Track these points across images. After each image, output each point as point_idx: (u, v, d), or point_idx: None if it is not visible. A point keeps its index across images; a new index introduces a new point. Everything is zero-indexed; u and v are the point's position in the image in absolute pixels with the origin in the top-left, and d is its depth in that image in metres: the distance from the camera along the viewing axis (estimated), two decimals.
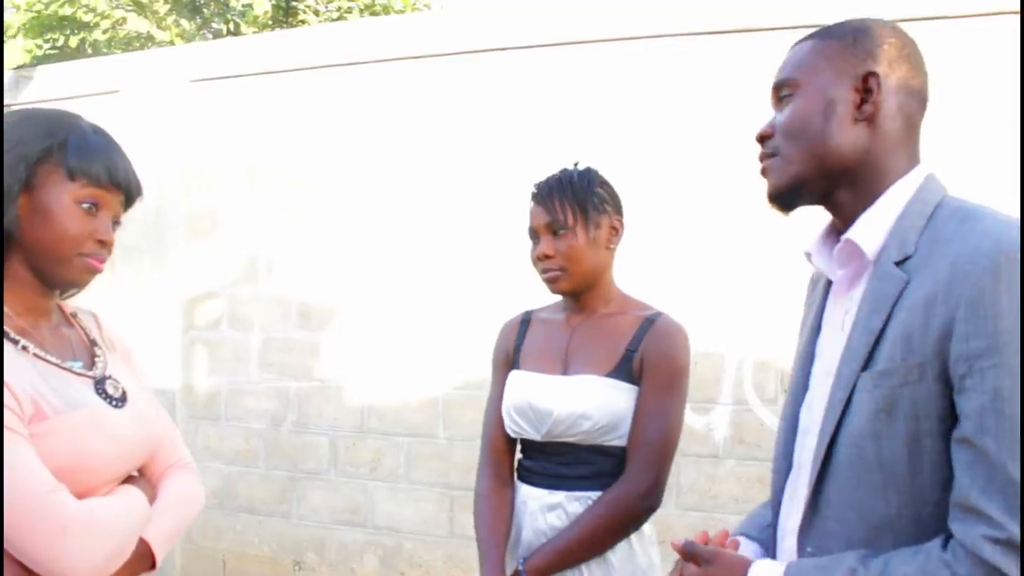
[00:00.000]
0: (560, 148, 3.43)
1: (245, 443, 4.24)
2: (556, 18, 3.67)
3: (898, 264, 1.13)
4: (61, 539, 1.18)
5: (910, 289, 1.10)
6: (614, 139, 3.47)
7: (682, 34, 3.46)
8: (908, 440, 1.08)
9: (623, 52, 3.56)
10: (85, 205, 1.32)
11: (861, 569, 1.07)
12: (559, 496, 1.84)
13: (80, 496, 1.24)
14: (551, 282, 1.89)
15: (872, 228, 1.18)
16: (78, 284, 1.37)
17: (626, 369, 1.84)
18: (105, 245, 1.35)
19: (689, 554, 1.24)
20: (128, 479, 1.39)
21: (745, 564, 1.20)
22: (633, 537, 1.84)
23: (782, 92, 1.26)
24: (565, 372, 1.88)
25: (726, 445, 3.39)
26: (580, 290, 1.89)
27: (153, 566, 1.35)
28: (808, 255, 1.31)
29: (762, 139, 1.27)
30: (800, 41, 1.29)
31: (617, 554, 1.82)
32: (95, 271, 1.35)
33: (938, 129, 3.13)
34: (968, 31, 3.09)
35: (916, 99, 1.23)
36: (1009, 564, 1.00)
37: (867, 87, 1.19)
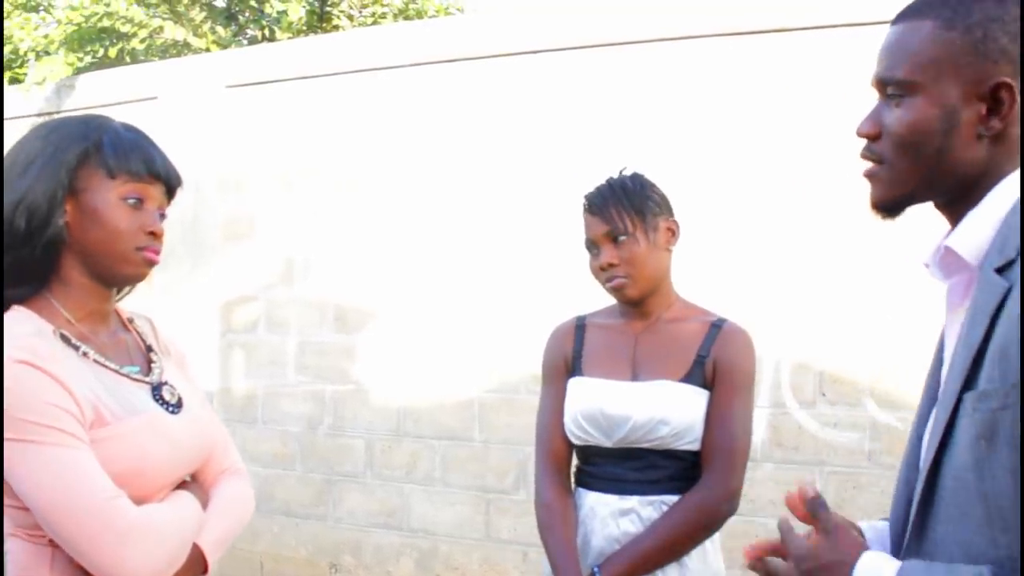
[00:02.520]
0: (593, 150, 3.42)
1: (282, 446, 4.28)
2: (589, 19, 3.66)
3: (999, 271, 0.97)
4: (121, 545, 1.20)
5: (1011, 297, 0.93)
6: (645, 141, 3.45)
7: (724, 34, 3.43)
8: (1012, 471, 0.91)
9: (658, 53, 3.54)
10: (131, 200, 1.33)
11: None
12: (632, 501, 1.82)
13: (137, 501, 1.26)
14: (617, 290, 1.87)
15: (975, 231, 1.03)
16: (138, 278, 1.38)
17: (699, 374, 1.84)
18: (156, 236, 1.37)
19: (811, 512, 1.05)
20: (181, 484, 1.41)
21: (858, 547, 1.03)
22: (707, 540, 1.84)
23: (891, 90, 1.07)
24: (635, 378, 1.86)
25: (764, 448, 3.35)
26: (645, 295, 1.88)
27: (205, 571, 1.36)
28: (927, 266, 1.14)
29: (865, 136, 1.11)
30: (910, 17, 1.07)
31: (693, 557, 1.82)
32: (152, 263, 1.37)
33: None
34: None
35: None
36: None
37: (997, 98, 1.01)
